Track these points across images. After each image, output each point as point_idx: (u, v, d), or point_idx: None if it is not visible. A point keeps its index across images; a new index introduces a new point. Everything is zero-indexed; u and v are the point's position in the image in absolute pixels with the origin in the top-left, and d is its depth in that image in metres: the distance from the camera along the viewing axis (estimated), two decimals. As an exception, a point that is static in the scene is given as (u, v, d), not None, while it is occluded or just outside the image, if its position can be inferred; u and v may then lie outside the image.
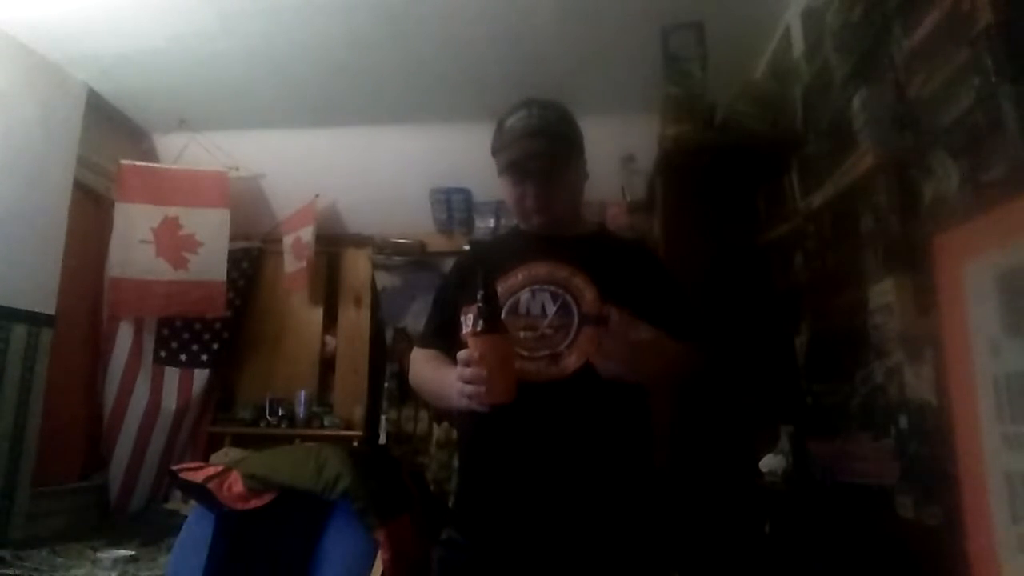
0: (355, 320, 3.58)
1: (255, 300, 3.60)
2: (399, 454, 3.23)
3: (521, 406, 1.08)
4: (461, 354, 1.11)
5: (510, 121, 1.30)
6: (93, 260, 3.05)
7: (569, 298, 1.22)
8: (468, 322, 1.29)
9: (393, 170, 3.31)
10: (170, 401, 3.20)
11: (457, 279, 1.42)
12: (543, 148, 1.26)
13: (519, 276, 1.25)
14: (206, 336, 3.34)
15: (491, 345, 1.07)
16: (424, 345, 1.41)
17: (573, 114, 1.35)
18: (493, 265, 1.29)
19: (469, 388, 1.08)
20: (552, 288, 1.23)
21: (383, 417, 3.47)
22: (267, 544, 1.84)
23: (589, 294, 1.21)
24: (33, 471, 2.53)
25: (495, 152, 1.33)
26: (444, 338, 1.35)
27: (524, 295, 1.22)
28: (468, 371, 1.08)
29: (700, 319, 1.33)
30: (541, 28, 2.42)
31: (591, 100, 1.44)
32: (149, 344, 3.23)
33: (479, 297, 1.08)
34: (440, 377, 1.27)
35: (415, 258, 3.51)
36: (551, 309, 1.21)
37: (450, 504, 1.71)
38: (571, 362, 1.18)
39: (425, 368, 1.36)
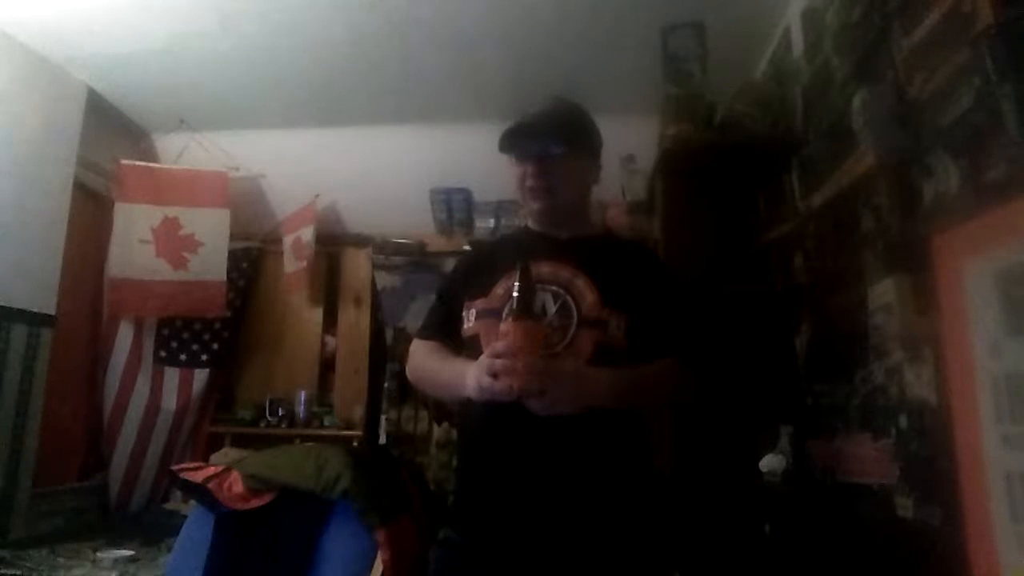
0: (355, 320, 3.58)
1: (255, 300, 3.60)
2: (399, 454, 3.23)
3: (518, 406, 1.08)
4: (496, 345, 1.11)
5: (526, 110, 1.33)
6: (93, 260, 3.05)
7: (570, 299, 1.22)
8: (470, 318, 1.29)
9: (393, 170, 3.31)
10: (170, 401, 3.20)
11: (462, 273, 1.42)
12: (545, 129, 1.29)
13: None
14: (206, 336, 3.34)
15: (524, 330, 1.08)
16: (425, 337, 1.41)
17: (592, 119, 1.38)
18: (498, 261, 1.30)
19: (497, 384, 1.08)
20: (554, 288, 1.23)
21: (383, 417, 3.47)
22: (267, 544, 1.84)
23: (590, 296, 1.22)
24: (33, 471, 2.53)
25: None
26: (446, 331, 1.36)
27: None
28: (499, 363, 1.08)
29: (699, 333, 1.33)
30: (541, 28, 2.42)
31: (591, 100, 1.43)
32: (149, 344, 3.23)
33: (515, 286, 1.11)
34: (450, 367, 1.27)
35: (415, 258, 3.51)
36: (551, 309, 1.21)
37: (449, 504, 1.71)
38: (567, 364, 1.17)
39: (429, 359, 1.36)
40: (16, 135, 2.54)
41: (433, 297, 1.50)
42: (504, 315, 1.15)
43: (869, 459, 1.43)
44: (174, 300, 3.14)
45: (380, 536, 1.71)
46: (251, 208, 3.46)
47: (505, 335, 1.10)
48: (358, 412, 3.42)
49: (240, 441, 3.24)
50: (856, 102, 1.51)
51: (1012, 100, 0.97)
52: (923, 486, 1.22)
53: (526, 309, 1.10)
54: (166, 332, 3.29)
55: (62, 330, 2.71)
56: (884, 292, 1.38)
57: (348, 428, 3.37)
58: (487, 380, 1.10)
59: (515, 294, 1.11)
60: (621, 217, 2.82)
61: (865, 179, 1.49)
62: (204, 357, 3.32)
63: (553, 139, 1.29)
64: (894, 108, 1.35)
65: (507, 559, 1.15)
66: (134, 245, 3.07)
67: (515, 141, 1.31)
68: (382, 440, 3.44)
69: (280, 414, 3.36)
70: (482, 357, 1.13)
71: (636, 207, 2.78)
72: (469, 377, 1.14)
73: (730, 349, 1.76)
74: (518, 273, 1.11)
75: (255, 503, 1.77)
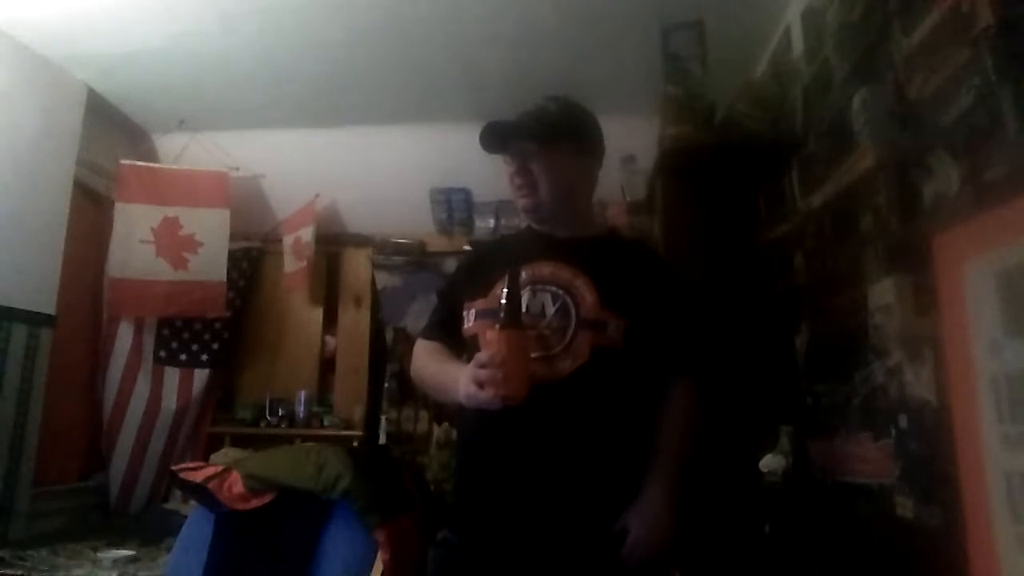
0: (355, 320, 3.58)
1: (255, 300, 3.60)
2: (399, 454, 3.23)
3: (515, 408, 1.08)
4: (480, 355, 1.12)
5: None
6: (93, 260, 3.05)
7: (569, 300, 1.22)
8: (470, 318, 1.29)
9: (393, 170, 3.31)
10: (170, 401, 3.20)
11: (464, 273, 1.43)
12: (519, 127, 1.28)
13: (522, 274, 1.25)
14: (206, 336, 3.34)
15: (509, 340, 1.08)
16: (428, 337, 1.41)
17: (591, 117, 1.37)
18: (499, 262, 1.30)
19: (483, 394, 1.08)
20: (553, 289, 1.23)
21: (383, 417, 3.47)
22: (267, 544, 1.84)
23: (589, 297, 1.21)
24: (33, 471, 2.53)
25: None
26: (448, 331, 1.36)
27: (525, 294, 1.22)
28: (484, 372, 1.08)
29: (698, 339, 1.33)
30: (541, 28, 2.42)
31: (591, 100, 1.43)
32: (149, 344, 3.23)
33: (503, 293, 1.10)
34: (445, 371, 1.28)
35: (415, 258, 3.51)
36: (550, 310, 1.21)
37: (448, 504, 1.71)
38: (566, 365, 1.18)
39: (429, 361, 1.36)
40: (16, 135, 2.54)
41: (433, 297, 1.50)
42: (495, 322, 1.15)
43: (869, 459, 1.43)
44: (174, 300, 3.14)
45: (380, 536, 1.71)
46: (251, 208, 3.46)
47: (491, 344, 1.10)
48: (358, 412, 3.41)
49: (240, 441, 3.24)
50: (856, 102, 1.51)
51: (1012, 100, 0.97)
52: (923, 486, 1.22)
53: (512, 318, 1.10)
54: (166, 332, 3.29)
55: (62, 330, 2.71)
56: (884, 292, 1.38)
57: (348, 428, 3.37)
58: (473, 389, 1.10)
59: (502, 302, 1.10)
60: (621, 217, 2.82)
61: (865, 179, 1.48)
62: (204, 357, 3.32)
63: (525, 137, 1.28)
64: (894, 108, 1.35)
65: (505, 560, 1.15)
66: (134, 245, 3.07)
67: (485, 139, 1.31)
68: (382, 440, 3.44)
69: (280, 414, 3.36)
70: (469, 366, 1.14)
71: (636, 207, 2.78)
72: (460, 384, 1.15)
73: (730, 350, 1.76)
74: (507, 280, 1.11)
75: (255, 503, 1.77)
